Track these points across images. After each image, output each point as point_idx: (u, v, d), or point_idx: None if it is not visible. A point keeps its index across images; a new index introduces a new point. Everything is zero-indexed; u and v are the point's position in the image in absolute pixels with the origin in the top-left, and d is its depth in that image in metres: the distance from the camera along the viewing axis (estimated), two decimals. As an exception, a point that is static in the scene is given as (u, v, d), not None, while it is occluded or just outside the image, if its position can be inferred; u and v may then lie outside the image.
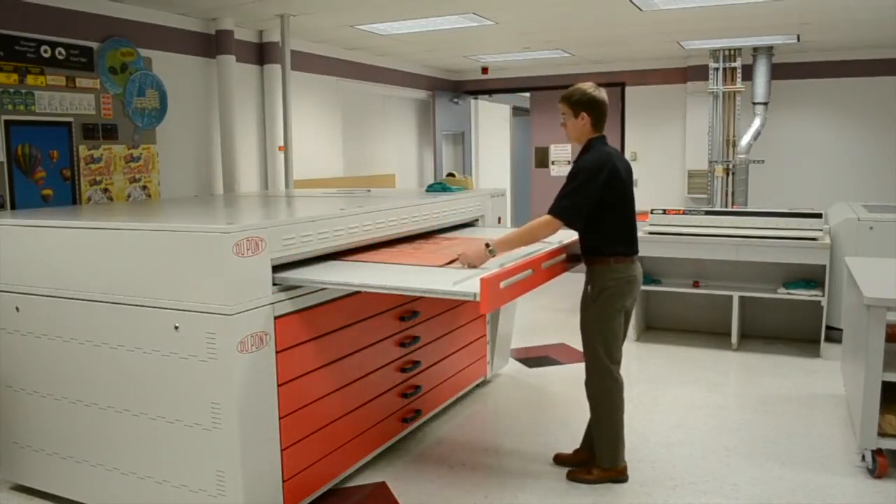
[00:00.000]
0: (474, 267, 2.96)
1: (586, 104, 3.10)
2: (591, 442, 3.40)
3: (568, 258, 3.35)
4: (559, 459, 3.50)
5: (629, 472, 3.34)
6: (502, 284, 2.67)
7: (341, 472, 3.25)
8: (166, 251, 2.69)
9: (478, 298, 2.52)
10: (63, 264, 2.96)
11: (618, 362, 3.25)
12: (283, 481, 2.86)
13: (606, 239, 3.14)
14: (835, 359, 5.02)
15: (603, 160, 3.06)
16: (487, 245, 3.00)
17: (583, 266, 3.34)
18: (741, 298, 5.41)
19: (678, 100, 8.34)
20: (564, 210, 3.03)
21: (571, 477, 3.33)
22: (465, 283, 2.67)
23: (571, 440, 3.65)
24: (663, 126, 8.50)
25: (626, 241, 3.19)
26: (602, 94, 3.16)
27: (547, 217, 3.03)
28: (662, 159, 8.52)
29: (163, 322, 2.70)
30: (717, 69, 7.40)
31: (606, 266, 3.15)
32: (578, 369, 4.33)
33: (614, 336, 3.21)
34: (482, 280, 2.53)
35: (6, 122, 4.29)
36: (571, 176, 3.07)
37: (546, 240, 3.24)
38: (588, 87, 3.16)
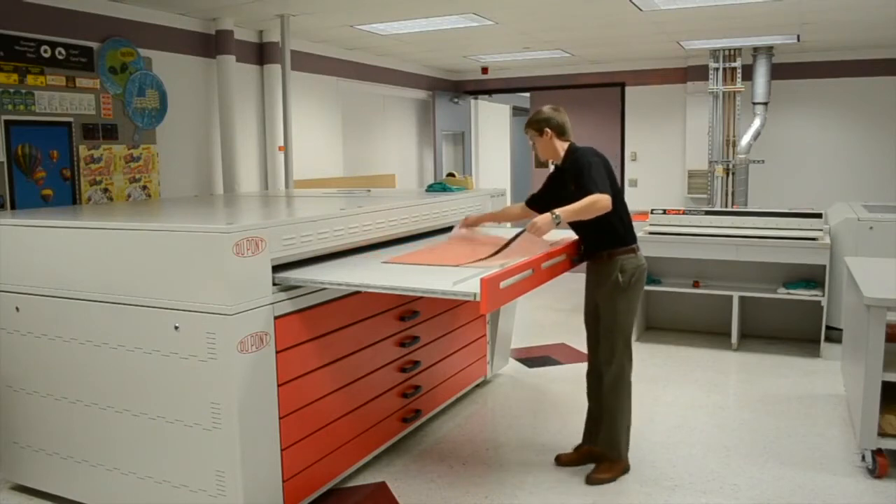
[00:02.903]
0: (542, 232, 3.12)
1: (545, 121, 3.35)
2: (593, 436, 3.45)
3: (569, 259, 3.37)
4: (561, 461, 3.50)
5: (629, 473, 3.36)
6: (502, 284, 2.68)
7: (341, 472, 3.25)
8: (166, 251, 2.69)
9: (478, 298, 2.54)
10: (63, 264, 2.96)
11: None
12: (283, 481, 2.86)
13: (628, 228, 3.31)
14: (835, 359, 5.02)
15: (593, 153, 3.26)
16: (553, 213, 3.11)
17: (579, 266, 3.39)
18: (741, 298, 5.41)
19: (678, 100, 8.34)
20: (601, 186, 3.11)
21: (592, 481, 3.30)
22: (465, 283, 2.67)
23: (571, 440, 3.65)
24: (663, 126, 8.50)
25: (633, 230, 3.37)
26: (558, 111, 3.41)
27: (599, 195, 3.08)
28: (662, 159, 8.52)
29: (163, 322, 2.70)
30: (717, 69, 7.41)
31: (632, 254, 3.29)
32: (578, 369, 4.32)
33: (634, 323, 3.38)
34: (482, 280, 2.53)
35: (6, 122, 4.29)
36: (580, 169, 3.18)
37: (545, 238, 3.28)
38: (545, 109, 3.40)
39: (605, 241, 3.28)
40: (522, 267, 2.88)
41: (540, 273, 3.06)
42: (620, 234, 3.27)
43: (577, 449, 3.52)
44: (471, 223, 3.76)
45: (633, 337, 5.47)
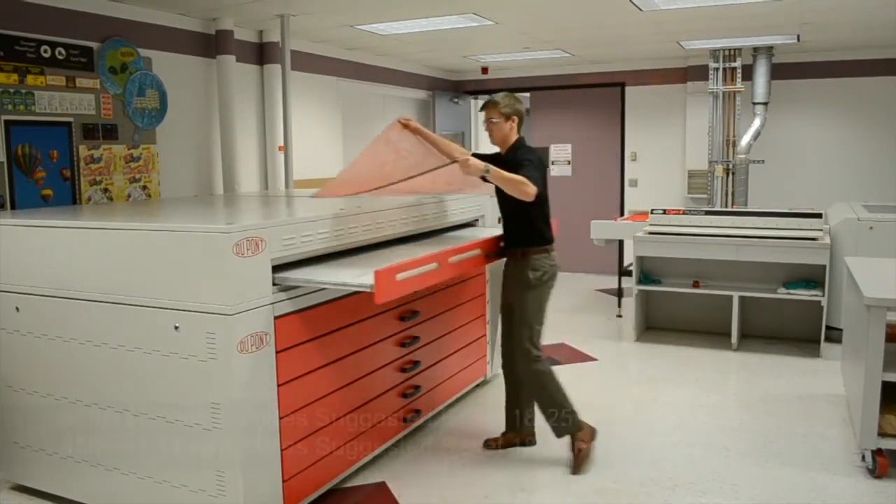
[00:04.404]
0: (469, 171, 3.24)
1: (517, 111, 3.49)
2: (514, 422, 3.68)
3: (484, 254, 3.51)
4: (490, 445, 3.71)
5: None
6: (399, 276, 2.79)
7: (341, 472, 3.25)
8: (166, 251, 2.69)
9: (372, 290, 2.67)
10: (63, 264, 2.96)
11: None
12: (283, 481, 2.86)
13: (545, 228, 3.49)
14: (835, 359, 5.02)
15: (538, 156, 3.44)
16: (487, 165, 3.23)
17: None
18: (741, 298, 5.41)
19: (678, 100, 8.34)
20: (534, 180, 3.23)
21: (577, 470, 3.40)
22: (363, 276, 2.78)
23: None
24: (663, 126, 8.50)
25: (551, 231, 3.55)
26: (522, 103, 3.57)
27: (529, 183, 3.20)
28: (662, 159, 8.51)
29: (163, 322, 2.70)
30: (717, 69, 7.40)
31: (545, 254, 3.47)
32: (578, 369, 4.32)
33: (544, 319, 3.54)
34: (376, 272, 2.66)
35: (6, 122, 4.29)
36: (519, 163, 3.32)
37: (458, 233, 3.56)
38: (515, 98, 3.52)
39: (522, 237, 3.46)
40: (425, 260, 3.00)
41: (447, 267, 3.18)
42: (538, 235, 3.46)
43: (504, 434, 3.72)
44: (413, 128, 3.70)
45: (633, 337, 5.57)
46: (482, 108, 3.55)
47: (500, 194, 3.43)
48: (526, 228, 3.45)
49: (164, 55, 5.32)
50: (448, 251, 3.22)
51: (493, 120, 3.47)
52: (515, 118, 3.48)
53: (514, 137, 3.51)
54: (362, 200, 3.97)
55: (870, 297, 3.22)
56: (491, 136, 3.53)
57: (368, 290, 2.70)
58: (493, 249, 3.58)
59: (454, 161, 3.30)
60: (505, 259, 3.60)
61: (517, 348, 3.50)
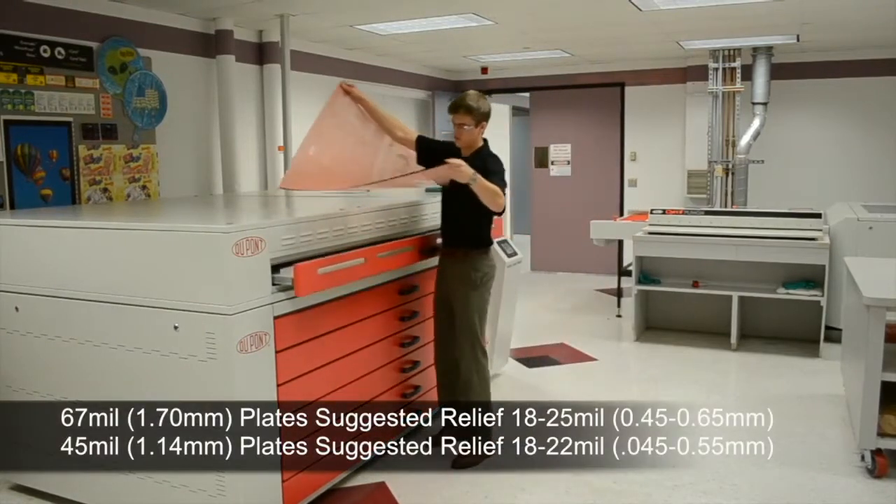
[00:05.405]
0: (458, 176, 3.16)
1: (487, 115, 3.47)
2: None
3: (418, 251, 3.55)
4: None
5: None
6: (320, 271, 2.84)
7: (341, 472, 3.25)
8: (166, 251, 2.69)
9: (292, 283, 2.73)
10: (63, 264, 2.96)
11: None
12: (283, 481, 2.86)
13: (489, 231, 3.54)
14: (835, 359, 5.02)
15: (502, 165, 3.47)
16: (475, 173, 3.20)
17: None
18: (741, 298, 5.41)
19: (678, 100, 8.33)
20: (505, 193, 3.30)
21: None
22: (286, 270, 2.83)
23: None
24: (663, 126, 8.50)
25: (491, 236, 3.60)
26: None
27: (503, 196, 3.27)
28: (662, 159, 8.51)
29: (163, 322, 2.70)
30: (716, 69, 7.40)
31: (486, 254, 3.53)
32: (578, 369, 4.33)
33: (486, 319, 3.59)
34: (296, 267, 2.72)
35: (6, 122, 4.29)
36: (490, 171, 3.32)
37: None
38: (486, 101, 3.48)
39: (467, 238, 3.48)
40: (350, 256, 3.05)
41: (374, 262, 3.20)
42: (482, 237, 3.50)
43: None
44: (355, 96, 3.72)
45: (633, 337, 5.55)
46: (452, 111, 3.43)
47: (450, 194, 3.43)
48: (474, 230, 3.48)
49: (163, 55, 5.32)
50: (377, 247, 3.26)
51: (466, 127, 3.41)
52: (485, 123, 3.47)
53: (480, 142, 3.49)
54: (362, 200, 3.97)
55: (869, 297, 3.22)
56: (459, 139, 3.46)
57: (289, 283, 2.76)
58: (428, 247, 3.62)
59: (443, 163, 3.23)
60: (440, 256, 3.61)
61: (463, 345, 3.49)
